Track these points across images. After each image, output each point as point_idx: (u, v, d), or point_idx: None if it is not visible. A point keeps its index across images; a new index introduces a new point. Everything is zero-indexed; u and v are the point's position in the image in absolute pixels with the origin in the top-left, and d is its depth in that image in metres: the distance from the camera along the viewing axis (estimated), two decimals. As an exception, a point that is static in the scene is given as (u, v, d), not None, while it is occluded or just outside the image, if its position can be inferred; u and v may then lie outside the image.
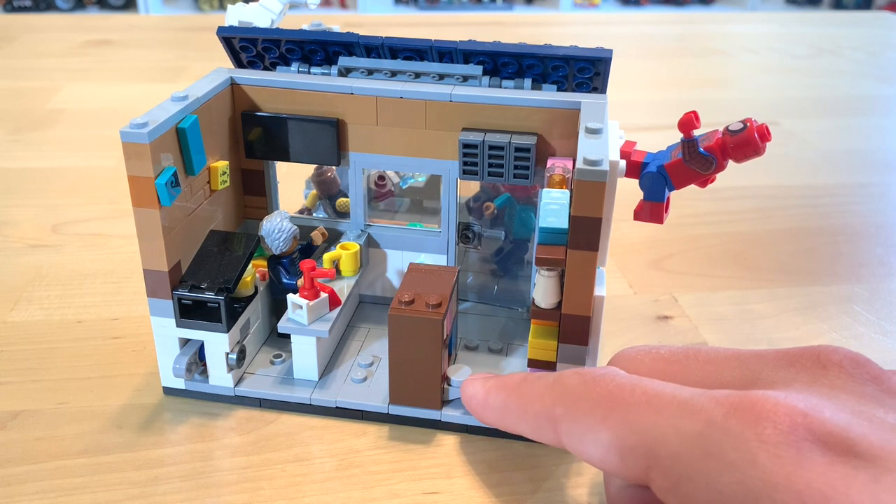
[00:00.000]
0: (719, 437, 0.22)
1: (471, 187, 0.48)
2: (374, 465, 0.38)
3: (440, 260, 0.47)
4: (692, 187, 0.40)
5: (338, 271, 0.44)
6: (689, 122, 0.38)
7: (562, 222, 0.35)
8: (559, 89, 0.42)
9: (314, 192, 0.52)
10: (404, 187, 0.53)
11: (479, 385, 0.35)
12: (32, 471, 0.37)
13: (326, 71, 0.44)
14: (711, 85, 1.06)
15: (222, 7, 2.84)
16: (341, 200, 0.51)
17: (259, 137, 0.44)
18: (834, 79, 1.09)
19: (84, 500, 0.36)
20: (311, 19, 0.47)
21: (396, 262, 0.48)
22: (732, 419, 0.22)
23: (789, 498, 0.20)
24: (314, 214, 0.52)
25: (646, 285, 0.55)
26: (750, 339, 0.49)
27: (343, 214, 0.50)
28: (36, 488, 0.36)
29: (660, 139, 0.78)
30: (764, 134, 0.37)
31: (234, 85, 0.44)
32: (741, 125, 0.37)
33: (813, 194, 0.71)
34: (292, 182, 0.53)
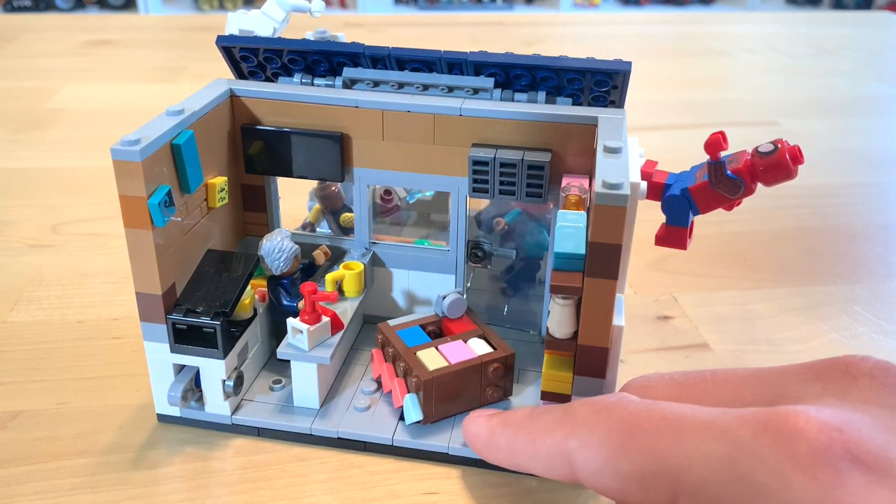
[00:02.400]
0: (749, 458, 0.21)
1: (481, 201, 0.46)
2: (374, 465, 0.38)
3: (448, 279, 0.45)
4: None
5: (341, 291, 0.43)
6: (716, 143, 0.36)
7: (578, 247, 0.32)
8: (574, 103, 0.41)
9: (318, 206, 0.51)
10: (411, 202, 0.52)
11: (482, 424, 0.33)
12: (32, 471, 0.37)
13: (330, 82, 0.43)
14: (711, 85, 1.06)
15: (222, 7, 2.83)
16: (346, 216, 0.50)
17: (260, 152, 0.43)
18: (834, 79, 1.09)
19: (84, 500, 0.36)
20: (315, 25, 0.47)
21: (402, 282, 0.46)
22: (763, 438, 0.21)
23: None
24: (318, 228, 0.51)
25: (646, 285, 0.55)
26: (750, 339, 0.49)
27: (347, 230, 0.49)
28: (36, 488, 0.36)
29: (659, 139, 0.78)
30: (796, 156, 0.35)
31: (233, 97, 0.42)
32: (772, 147, 0.35)
33: (813, 194, 0.71)
34: (294, 195, 0.52)
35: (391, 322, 0.43)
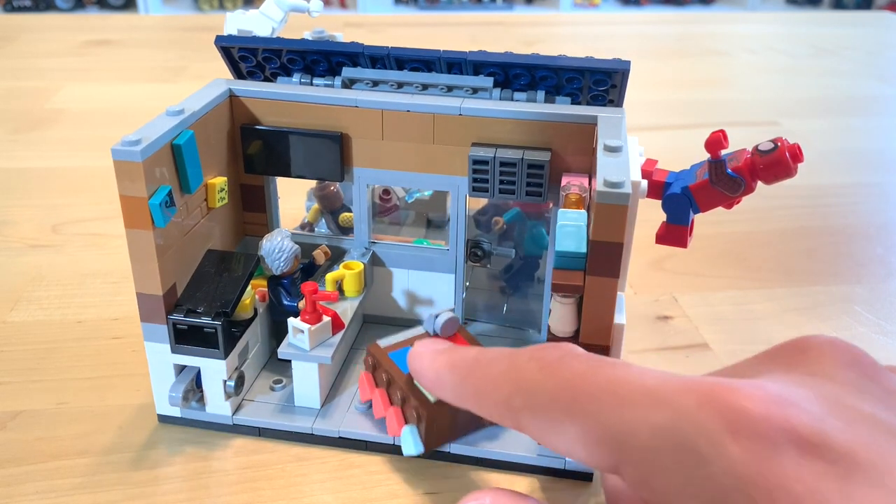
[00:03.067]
0: (690, 428, 0.21)
1: (478, 200, 0.46)
2: (375, 464, 0.38)
3: (448, 279, 0.45)
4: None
5: (341, 291, 0.43)
6: (716, 141, 0.36)
7: (579, 246, 0.33)
8: (573, 102, 0.41)
9: (316, 205, 0.51)
10: (410, 201, 0.52)
11: (427, 362, 0.31)
12: (32, 471, 0.37)
13: (330, 82, 0.43)
14: (711, 85, 1.06)
15: (223, 7, 2.83)
16: (344, 215, 0.49)
17: (259, 152, 0.43)
18: (834, 79, 1.09)
19: (84, 500, 0.36)
20: (313, 25, 0.47)
21: (402, 281, 0.46)
22: (704, 410, 0.21)
23: (760, 494, 0.20)
24: (316, 228, 0.51)
25: (646, 285, 0.55)
26: (750, 339, 0.49)
27: (346, 229, 0.49)
28: (36, 488, 0.36)
29: (659, 139, 0.78)
30: (796, 154, 0.35)
31: (232, 97, 0.42)
32: (771, 145, 0.36)
33: (813, 194, 0.71)
34: (292, 195, 0.52)
35: (381, 342, 0.40)
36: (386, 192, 0.51)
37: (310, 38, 0.44)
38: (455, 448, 0.38)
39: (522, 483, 0.37)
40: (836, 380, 0.23)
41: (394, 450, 0.39)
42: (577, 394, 0.24)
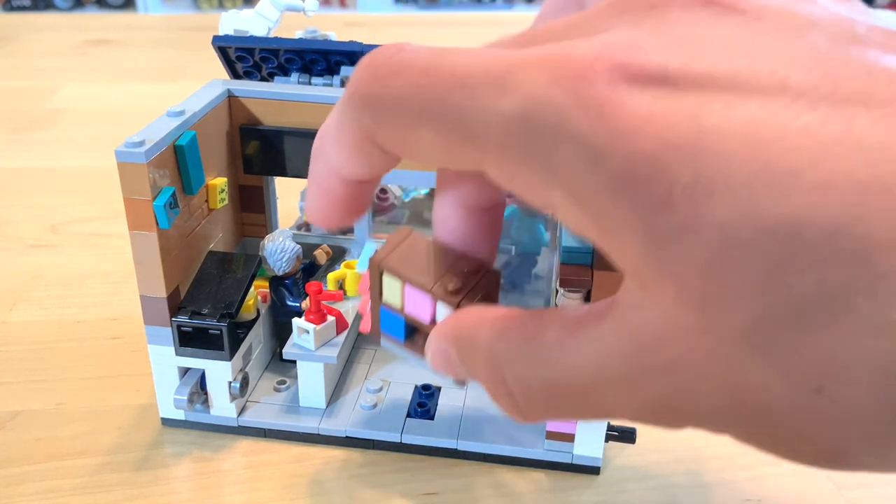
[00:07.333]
0: (542, 112, 0.18)
1: None
2: (375, 464, 0.38)
3: None
4: None
5: (342, 291, 0.43)
6: None
7: (586, 241, 0.33)
8: None
9: None
10: (407, 200, 0.52)
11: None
12: (32, 471, 0.37)
13: (328, 81, 0.43)
14: (711, 84, 1.06)
15: (222, 6, 2.83)
16: None
17: (258, 152, 0.43)
18: (834, 78, 1.09)
19: (84, 501, 0.36)
20: (306, 25, 0.47)
21: None
22: (553, 87, 0.18)
23: (617, 156, 0.17)
24: (312, 229, 0.51)
25: (646, 285, 0.55)
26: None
27: (344, 229, 0.49)
28: (36, 488, 0.36)
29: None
30: None
31: (231, 97, 0.42)
32: None
33: (813, 193, 0.71)
34: (285, 194, 0.51)
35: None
36: (383, 190, 0.51)
37: (303, 38, 0.44)
38: (462, 444, 0.38)
39: (529, 477, 0.37)
40: (690, 21, 0.19)
41: (400, 448, 0.39)
42: (426, 95, 0.21)
